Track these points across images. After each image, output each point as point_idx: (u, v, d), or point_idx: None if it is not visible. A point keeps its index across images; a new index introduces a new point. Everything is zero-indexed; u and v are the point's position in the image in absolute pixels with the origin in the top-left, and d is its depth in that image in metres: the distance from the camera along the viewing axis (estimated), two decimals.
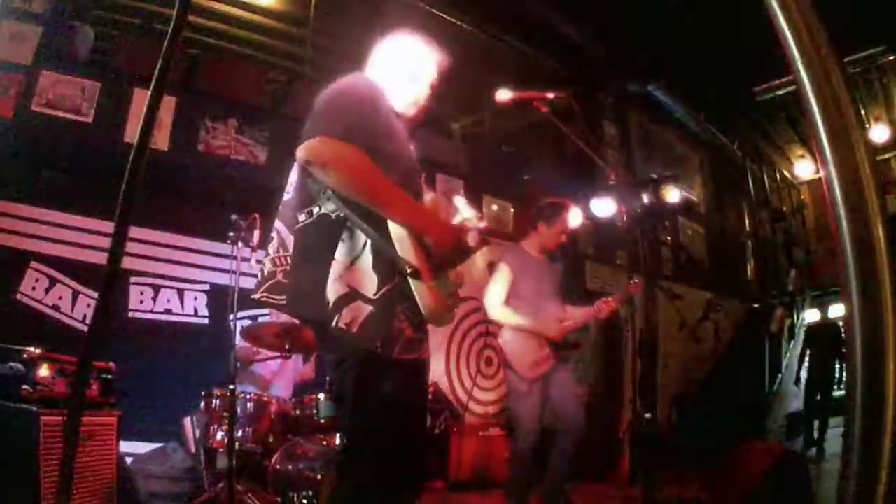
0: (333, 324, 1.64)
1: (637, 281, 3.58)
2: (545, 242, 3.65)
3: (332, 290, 1.66)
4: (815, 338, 7.10)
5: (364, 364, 1.70)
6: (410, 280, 1.65)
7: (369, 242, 1.68)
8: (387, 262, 1.67)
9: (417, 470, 1.86)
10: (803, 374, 7.01)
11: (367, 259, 1.67)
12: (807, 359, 7.05)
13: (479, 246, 1.99)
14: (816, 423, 6.62)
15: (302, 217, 1.77)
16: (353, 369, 1.73)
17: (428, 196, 1.98)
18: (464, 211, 1.94)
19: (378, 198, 1.66)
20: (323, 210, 1.72)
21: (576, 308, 3.70)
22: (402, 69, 1.97)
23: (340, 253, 1.68)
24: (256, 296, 1.82)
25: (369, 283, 1.66)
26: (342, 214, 1.69)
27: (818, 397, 6.69)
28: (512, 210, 6.84)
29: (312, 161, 1.63)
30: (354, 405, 1.75)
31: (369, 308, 1.64)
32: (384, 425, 1.70)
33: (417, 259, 1.66)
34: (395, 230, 1.66)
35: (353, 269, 1.67)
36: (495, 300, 3.51)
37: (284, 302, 1.79)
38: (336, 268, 1.67)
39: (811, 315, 8.74)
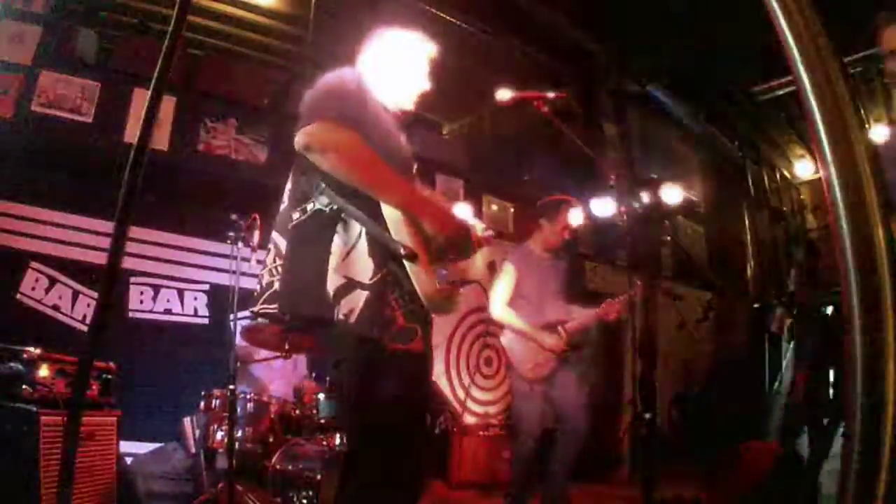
0: (336, 316, 1.65)
1: (638, 283, 3.56)
2: (549, 240, 3.63)
3: (332, 283, 1.68)
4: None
5: (362, 356, 1.68)
6: (407, 264, 1.62)
7: (364, 230, 1.67)
8: (382, 248, 1.65)
9: (418, 469, 1.80)
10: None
11: (362, 247, 1.68)
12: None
13: (482, 245, 2.01)
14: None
15: (296, 215, 1.78)
16: (352, 363, 1.72)
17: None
18: (468, 220, 1.96)
19: (374, 179, 1.64)
20: (317, 206, 1.71)
21: (580, 309, 3.67)
22: (392, 65, 1.97)
23: (336, 245, 1.69)
24: (256, 308, 1.82)
25: (365, 270, 1.65)
26: (336, 207, 1.68)
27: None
28: (512, 210, 6.83)
29: (312, 145, 1.62)
30: (356, 401, 1.73)
31: (365, 295, 1.64)
32: (384, 422, 1.68)
33: (414, 242, 1.62)
34: (390, 214, 1.64)
35: (350, 259, 1.67)
36: (498, 300, 3.50)
37: (277, 306, 1.82)
38: (333, 260, 1.68)
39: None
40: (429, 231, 1.67)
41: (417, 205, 1.66)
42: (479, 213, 6.67)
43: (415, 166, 1.99)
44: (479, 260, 2.44)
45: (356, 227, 1.68)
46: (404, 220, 1.63)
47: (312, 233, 1.72)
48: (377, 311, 1.63)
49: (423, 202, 1.69)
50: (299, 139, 1.64)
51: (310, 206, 1.74)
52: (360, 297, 1.64)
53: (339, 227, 1.70)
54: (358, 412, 1.75)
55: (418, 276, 1.63)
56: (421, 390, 1.77)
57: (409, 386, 1.69)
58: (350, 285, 1.65)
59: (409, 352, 1.66)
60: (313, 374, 4.39)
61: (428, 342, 1.76)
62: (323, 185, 1.70)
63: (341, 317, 1.65)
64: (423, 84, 1.99)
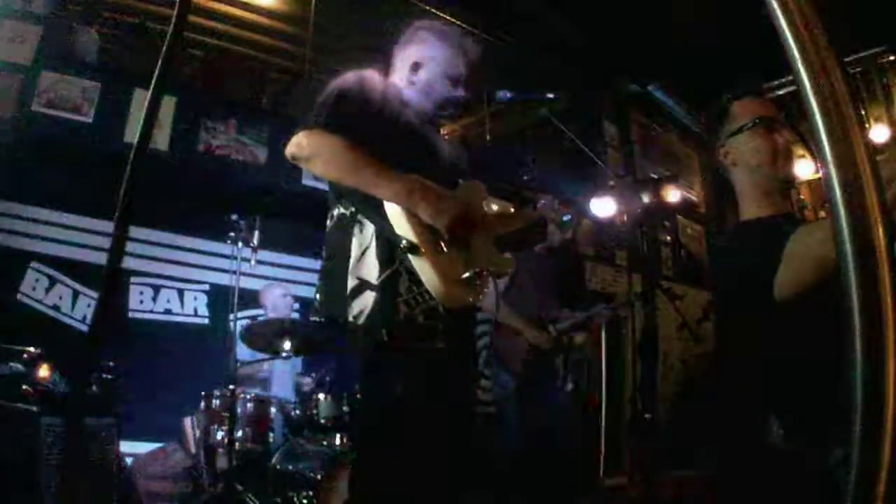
0: (349, 319, 1.64)
1: (610, 306, 3.82)
2: (551, 240, 3.65)
3: (349, 286, 1.66)
4: None
5: (374, 358, 1.66)
6: (412, 258, 1.58)
7: (375, 231, 1.66)
8: (388, 246, 1.64)
9: (447, 481, 1.69)
10: None
11: (373, 248, 1.66)
12: None
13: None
14: None
15: (327, 223, 1.81)
16: (364, 366, 1.70)
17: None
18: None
19: (360, 177, 1.62)
20: (340, 210, 1.75)
21: (571, 313, 3.68)
22: (429, 70, 1.93)
23: (354, 247, 1.68)
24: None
25: (373, 271, 1.64)
26: (353, 210, 1.70)
27: None
28: (512, 210, 6.82)
29: (296, 154, 1.67)
30: (367, 407, 1.71)
31: (373, 295, 1.62)
32: (391, 426, 1.62)
33: (415, 234, 1.59)
34: (390, 208, 1.62)
35: (363, 261, 1.66)
36: (494, 293, 3.52)
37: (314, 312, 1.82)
38: (351, 263, 1.67)
39: None
40: (428, 221, 1.61)
41: (410, 196, 1.60)
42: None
43: (447, 162, 1.98)
44: None
45: (370, 228, 1.68)
46: (403, 214, 1.60)
47: (337, 238, 1.74)
48: (386, 311, 1.60)
49: (418, 193, 1.61)
50: (287, 150, 1.68)
51: (336, 212, 1.77)
52: (368, 299, 1.62)
53: (356, 230, 1.69)
54: (371, 416, 1.72)
55: (423, 268, 1.58)
56: (443, 392, 1.67)
57: (428, 387, 1.63)
58: (361, 286, 1.64)
59: (426, 351, 1.61)
60: (312, 375, 4.38)
61: (458, 339, 1.70)
62: (339, 190, 1.74)
63: (351, 318, 1.63)
64: (456, 93, 1.94)
